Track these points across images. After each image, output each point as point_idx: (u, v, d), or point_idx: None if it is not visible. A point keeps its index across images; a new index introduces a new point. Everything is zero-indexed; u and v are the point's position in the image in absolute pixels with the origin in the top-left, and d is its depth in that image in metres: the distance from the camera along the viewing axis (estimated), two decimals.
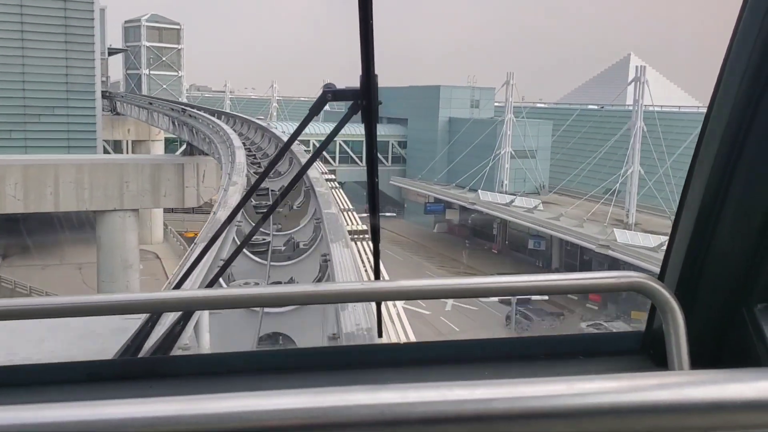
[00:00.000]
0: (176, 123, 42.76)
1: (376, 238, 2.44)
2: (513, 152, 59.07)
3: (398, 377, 1.43)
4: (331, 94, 1.79)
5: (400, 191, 69.77)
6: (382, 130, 74.92)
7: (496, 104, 66.08)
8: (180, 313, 3.05)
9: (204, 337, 6.79)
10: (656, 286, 1.16)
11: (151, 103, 52.88)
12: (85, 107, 51.03)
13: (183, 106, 47.17)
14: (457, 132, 64.41)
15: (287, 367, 1.51)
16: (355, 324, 6.17)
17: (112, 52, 70.23)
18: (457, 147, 62.89)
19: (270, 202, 12.31)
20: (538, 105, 76.70)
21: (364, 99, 1.65)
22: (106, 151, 58.95)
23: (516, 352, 1.55)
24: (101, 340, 5.79)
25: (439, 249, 58.23)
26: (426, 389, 0.85)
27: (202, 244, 8.01)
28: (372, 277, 7.12)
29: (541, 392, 0.86)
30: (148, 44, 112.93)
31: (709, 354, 1.41)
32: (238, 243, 9.69)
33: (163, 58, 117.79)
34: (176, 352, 3.84)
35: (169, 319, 3.63)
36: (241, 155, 19.64)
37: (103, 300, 1.15)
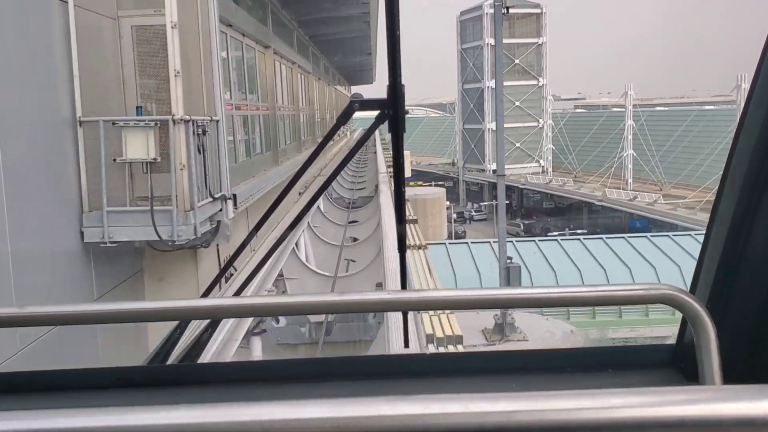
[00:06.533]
0: None
1: (402, 248, 2.45)
2: None
3: (423, 388, 1.48)
4: (358, 103, 1.84)
5: None
6: None
7: None
8: (208, 321, 3.10)
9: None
10: (687, 298, 1.16)
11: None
12: None
13: None
14: None
15: (313, 376, 1.57)
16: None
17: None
18: None
19: None
20: None
21: (391, 109, 1.69)
22: None
23: (542, 364, 1.57)
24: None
25: None
26: (448, 401, 0.85)
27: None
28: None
29: (565, 406, 0.84)
30: (494, 42, 76.79)
31: (742, 368, 1.40)
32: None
33: (516, 61, 79.26)
34: (203, 359, 4.22)
35: (197, 326, 3.67)
36: None
37: (132, 308, 1.21)
